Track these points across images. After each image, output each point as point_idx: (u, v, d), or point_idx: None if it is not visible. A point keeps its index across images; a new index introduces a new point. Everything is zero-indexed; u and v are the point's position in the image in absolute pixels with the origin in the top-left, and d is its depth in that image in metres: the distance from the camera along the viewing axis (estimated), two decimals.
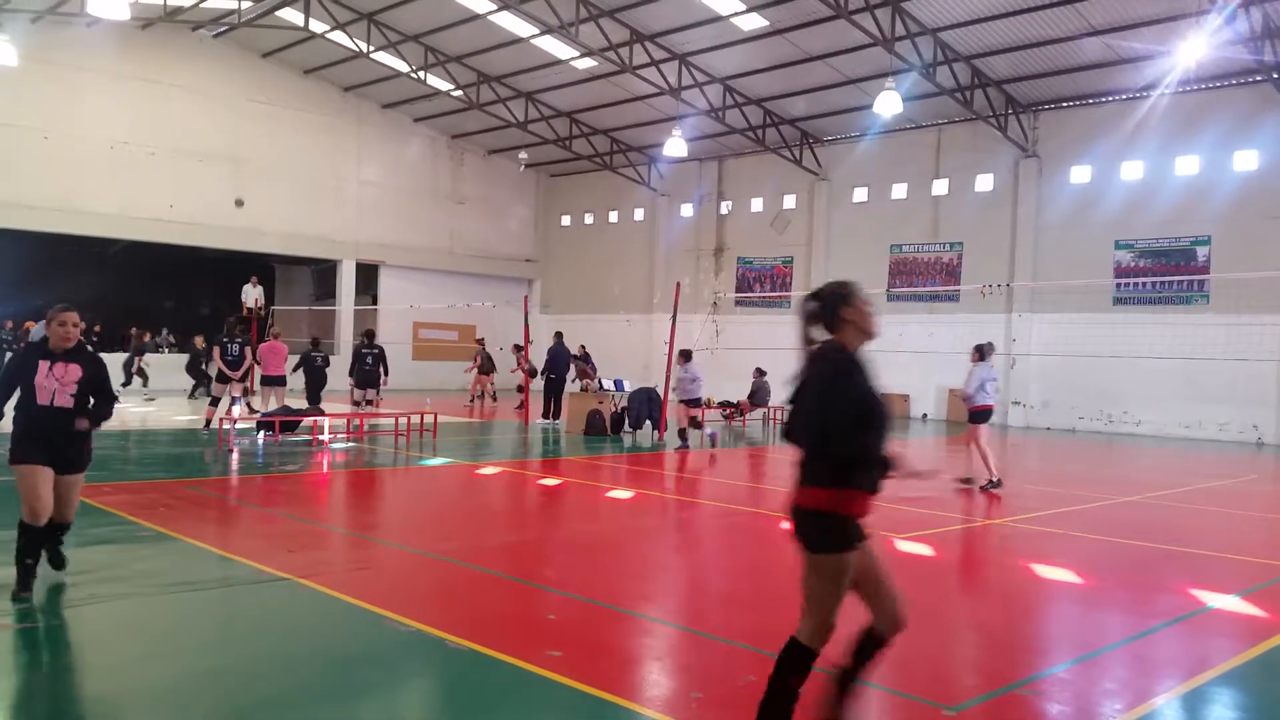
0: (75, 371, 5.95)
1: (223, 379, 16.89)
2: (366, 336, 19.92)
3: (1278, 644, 5.87)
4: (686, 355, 17.23)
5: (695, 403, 17.10)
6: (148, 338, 22.00)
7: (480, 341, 28.32)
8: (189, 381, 24.39)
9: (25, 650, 5.07)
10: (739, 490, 12.56)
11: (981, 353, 12.65)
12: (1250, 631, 6.23)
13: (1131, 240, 23.40)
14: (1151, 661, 5.60)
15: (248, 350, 17.12)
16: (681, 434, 16.60)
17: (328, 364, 19.09)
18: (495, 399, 27.46)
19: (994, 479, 12.22)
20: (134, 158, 27.03)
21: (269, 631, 5.70)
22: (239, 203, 27.88)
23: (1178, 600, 7.02)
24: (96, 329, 28.13)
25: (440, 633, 5.39)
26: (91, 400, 6.10)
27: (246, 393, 18.23)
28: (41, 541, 5.96)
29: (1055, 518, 10.41)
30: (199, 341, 24.22)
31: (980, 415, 12.61)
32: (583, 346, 22.54)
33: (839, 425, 3.68)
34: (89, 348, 6.27)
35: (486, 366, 27.61)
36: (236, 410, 16.40)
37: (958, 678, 5.27)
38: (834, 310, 3.90)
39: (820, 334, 3.93)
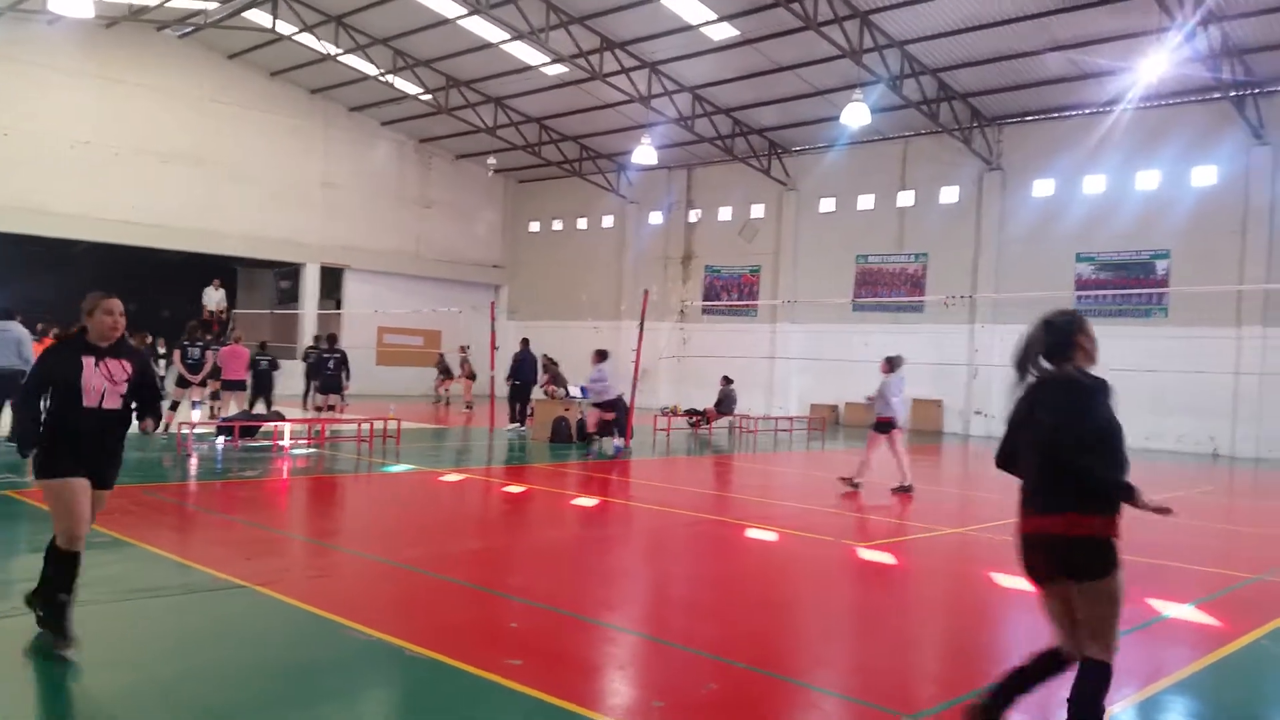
0: (126, 368, 5.19)
1: (183, 383, 16.64)
2: (328, 340, 19.75)
3: (1231, 652, 5.96)
4: (602, 355, 16.77)
5: (609, 406, 16.49)
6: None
7: (464, 349, 28.31)
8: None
9: None
10: (704, 498, 12.56)
11: (891, 364, 13.07)
12: (1204, 640, 6.32)
13: (1093, 253, 23.75)
14: None
15: (209, 354, 16.86)
16: (587, 439, 16.20)
17: (276, 368, 18.91)
18: (451, 404, 27.40)
19: (856, 481, 12.74)
20: (96, 158, 26.64)
21: (227, 639, 5.62)
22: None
23: (1134, 609, 7.09)
24: (55, 331, 27.67)
25: (400, 641, 5.34)
26: (135, 401, 5.34)
27: (216, 396, 17.94)
28: (76, 572, 5.07)
29: (1015, 527, 10.50)
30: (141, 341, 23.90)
31: (886, 425, 12.99)
32: (546, 356, 22.56)
33: (1093, 447, 3.82)
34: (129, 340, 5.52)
35: (448, 373, 27.60)
36: (197, 415, 16.19)
37: (917, 686, 5.30)
38: (1070, 337, 4.05)
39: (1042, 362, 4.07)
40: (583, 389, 19.75)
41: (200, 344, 16.79)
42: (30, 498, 9.37)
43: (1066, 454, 3.83)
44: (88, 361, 5.05)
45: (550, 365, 21.04)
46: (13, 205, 25.04)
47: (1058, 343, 4.06)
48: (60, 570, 5.03)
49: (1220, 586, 8.08)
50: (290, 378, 23.98)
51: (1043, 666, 4.08)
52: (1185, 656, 5.90)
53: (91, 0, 17.88)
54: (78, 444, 5.04)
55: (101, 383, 5.06)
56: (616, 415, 18.79)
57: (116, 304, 5.21)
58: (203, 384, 16.93)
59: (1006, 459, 4.25)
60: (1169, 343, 21.72)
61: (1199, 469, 18.82)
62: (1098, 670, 3.93)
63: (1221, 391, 21.44)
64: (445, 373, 28.64)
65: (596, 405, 16.39)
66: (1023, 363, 4.10)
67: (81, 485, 5.03)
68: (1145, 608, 7.11)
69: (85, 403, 5.02)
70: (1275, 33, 19.19)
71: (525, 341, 21.44)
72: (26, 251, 27.38)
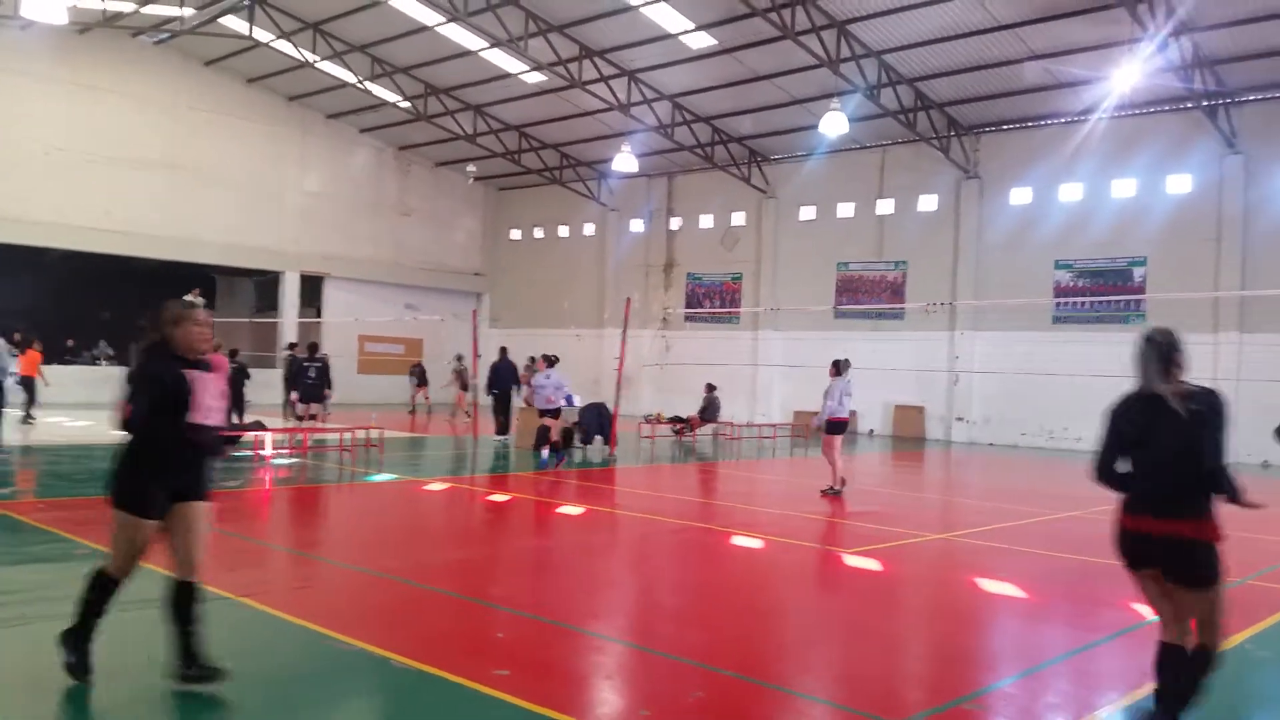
0: (221, 382, 4.89)
1: None
2: (309, 349, 19.59)
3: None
4: (549, 360, 16.02)
5: (556, 414, 15.60)
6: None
7: (459, 359, 28.15)
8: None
9: None
10: (689, 506, 12.55)
11: (838, 368, 13.33)
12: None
13: (1070, 260, 23.95)
14: (1094, 675, 5.69)
15: None
16: (539, 447, 15.54)
17: (247, 376, 18.68)
18: (432, 412, 27.26)
19: (836, 486, 13.00)
20: (70, 164, 26.36)
21: (210, 651, 5.54)
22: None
23: (1120, 614, 7.14)
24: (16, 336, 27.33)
25: (385, 652, 5.29)
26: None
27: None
28: (114, 598, 4.87)
29: (998, 533, 10.56)
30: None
31: (837, 427, 13.26)
32: (534, 359, 22.54)
33: (1221, 458, 4.25)
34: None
35: (422, 380, 27.46)
36: None
37: (903, 692, 5.30)
38: (1176, 353, 4.38)
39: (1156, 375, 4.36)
40: (567, 397, 19.68)
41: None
42: (9, 509, 9.24)
43: (1213, 463, 4.26)
44: (194, 376, 4.71)
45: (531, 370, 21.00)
46: None
47: (1168, 358, 4.36)
48: (105, 596, 4.82)
49: None
50: (267, 388, 23.80)
51: (1177, 664, 4.38)
52: None
53: (65, 6, 17.71)
54: (173, 463, 4.71)
55: (211, 398, 4.76)
56: (598, 425, 18.73)
57: (205, 314, 4.89)
58: None
59: (1109, 469, 4.67)
60: None
61: None
62: (1208, 656, 4.33)
63: None
64: (421, 380, 28.51)
65: (542, 413, 15.54)
66: (1147, 379, 4.42)
67: (154, 528, 4.77)
68: (1132, 613, 7.15)
69: (195, 418, 4.67)
70: (1245, 44, 19.44)
71: (503, 350, 21.31)
72: None
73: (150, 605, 6.34)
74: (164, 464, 4.70)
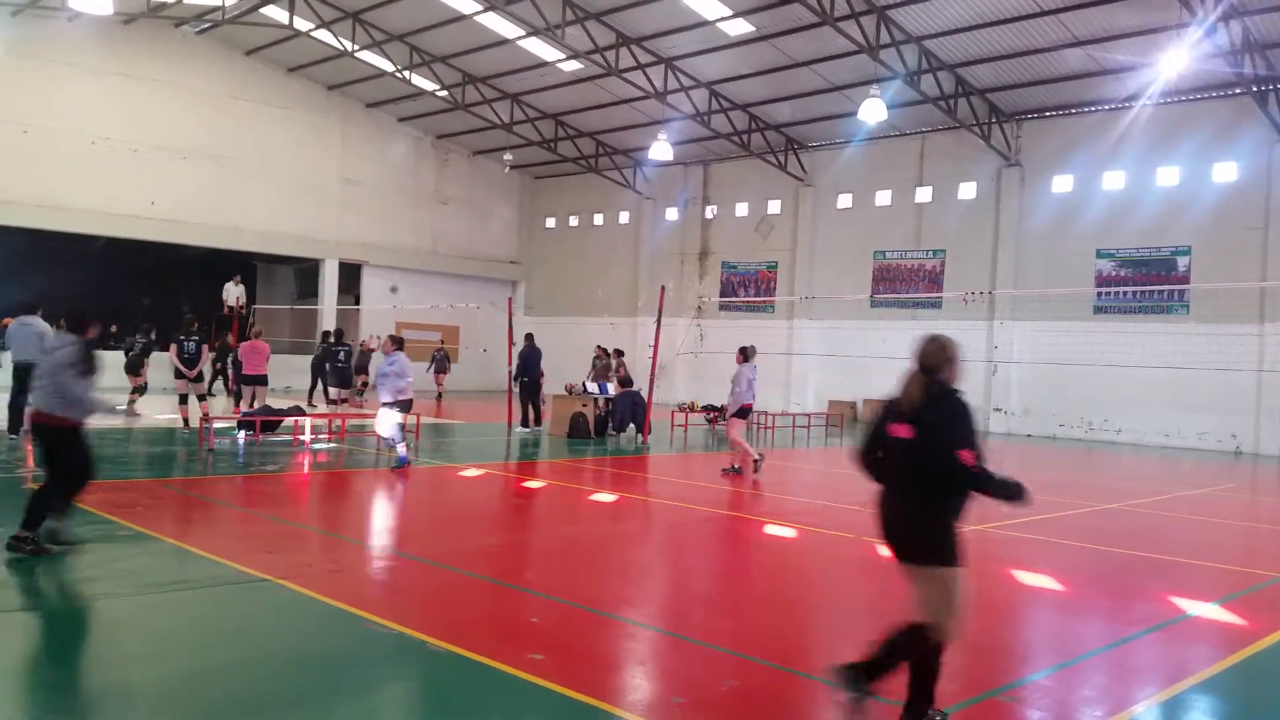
0: None
1: (178, 375, 16.45)
2: (335, 335, 19.88)
3: (1256, 652, 5.91)
4: (397, 343, 13.45)
5: (406, 406, 13.13)
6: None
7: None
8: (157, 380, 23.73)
9: (3, 652, 5.00)
10: (722, 494, 12.55)
11: (745, 354, 13.51)
12: (1229, 639, 6.27)
13: (1112, 250, 23.58)
14: (1131, 669, 5.63)
15: (204, 348, 16.60)
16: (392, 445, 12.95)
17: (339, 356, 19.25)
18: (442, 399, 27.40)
19: (736, 466, 13.43)
20: (115, 153, 26.81)
21: (248, 633, 5.66)
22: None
23: (1157, 608, 7.06)
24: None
25: (421, 635, 5.36)
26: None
27: (224, 390, 18.01)
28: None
29: (1036, 524, 10.46)
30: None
31: (745, 412, 13.58)
32: (604, 349, 22.53)
33: None
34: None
35: (441, 366, 27.54)
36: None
37: (939, 683, 5.27)
38: None
39: None
40: (601, 385, 19.74)
41: (195, 338, 16.59)
42: None
43: None
44: None
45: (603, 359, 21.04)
46: (32, 201, 25.24)
47: None
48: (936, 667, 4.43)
49: (1244, 585, 8.01)
50: (303, 375, 24.05)
51: None
52: (1209, 656, 5.86)
53: None
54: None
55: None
56: (632, 413, 18.71)
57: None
58: (198, 378, 16.63)
59: None
60: (1190, 339, 21.51)
61: (1221, 466, 18.68)
62: None
63: (1244, 389, 21.25)
64: (441, 367, 28.55)
65: (386, 405, 12.87)
66: None
67: None
68: (1169, 606, 7.07)
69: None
70: None
71: (529, 337, 20.71)
72: (45, 247, 27.58)
73: (190, 587, 6.48)
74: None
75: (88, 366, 6.97)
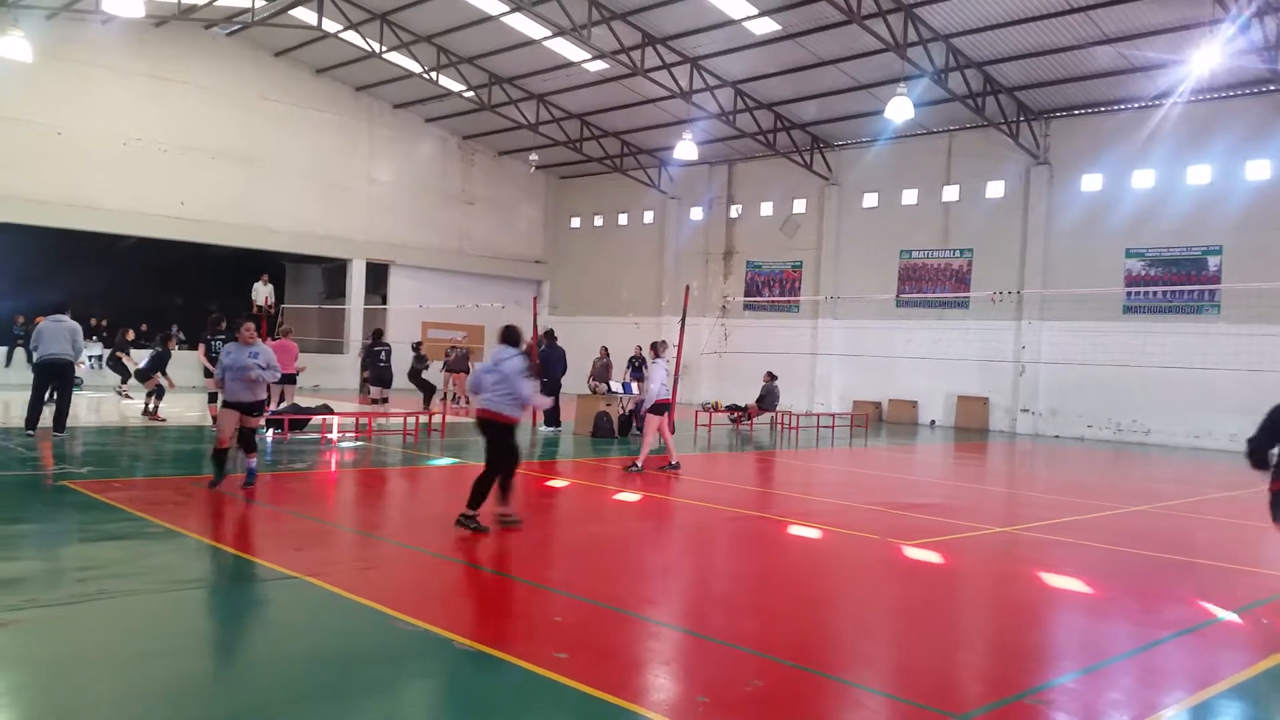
0: None
1: (208, 374, 16.57)
2: (375, 335, 20.14)
3: None
4: (249, 329, 10.08)
5: (252, 410, 10.08)
6: (130, 335, 22.10)
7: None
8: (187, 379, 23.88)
9: (34, 646, 5.08)
10: (746, 494, 12.53)
11: (657, 350, 13.54)
12: (1260, 644, 6.20)
13: (1142, 249, 23.34)
14: (1160, 673, 5.58)
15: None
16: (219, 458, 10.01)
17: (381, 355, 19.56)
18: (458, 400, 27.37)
19: (638, 464, 13.29)
20: (146, 154, 27.16)
21: (276, 629, 5.71)
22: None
23: (1187, 611, 6.99)
24: (104, 323, 28.23)
25: (447, 633, 5.39)
26: None
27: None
28: None
29: (1064, 526, 10.37)
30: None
31: (662, 408, 13.43)
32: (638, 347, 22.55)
33: None
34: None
35: (458, 366, 27.48)
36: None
37: (965, 686, 5.25)
38: None
39: None
40: (625, 385, 19.75)
41: (223, 338, 16.69)
42: (85, 488, 9.58)
43: None
44: None
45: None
46: (65, 201, 25.62)
47: None
48: None
49: (1277, 590, 7.91)
50: (334, 373, 24.27)
51: None
52: (1240, 661, 5.79)
53: (142, 0, 18.20)
54: None
55: None
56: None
57: None
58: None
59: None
60: (1221, 340, 21.26)
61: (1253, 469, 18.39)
62: None
63: (1276, 391, 20.88)
64: (457, 367, 28.44)
65: (229, 405, 10.10)
66: None
67: None
68: (1199, 610, 6.99)
69: None
70: None
71: (550, 335, 20.40)
72: (76, 246, 27.95)
73: (218, 583, 6.55)
74: None
75: (530, 372, 8.66)
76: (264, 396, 10.62)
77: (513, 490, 8.77)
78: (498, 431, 8.54)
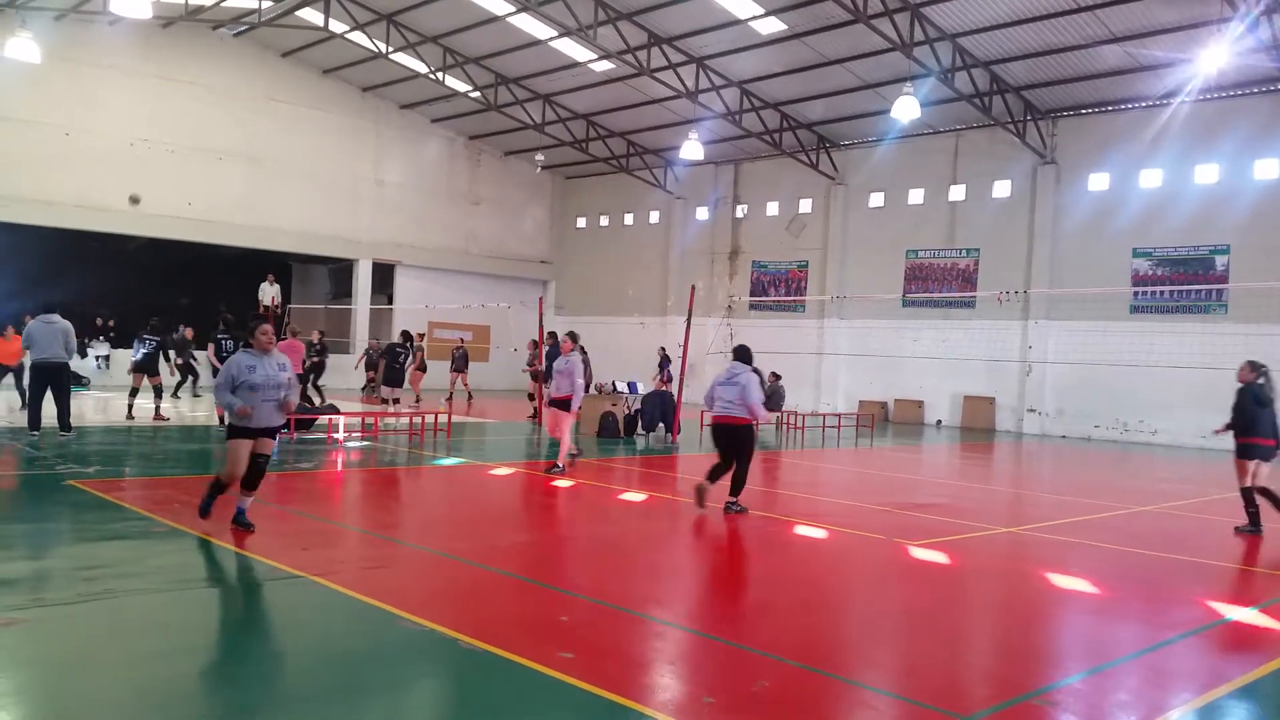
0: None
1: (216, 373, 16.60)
2: (403, 337, 20.49)
3: None
4: (267, 333, 8.25)
5: (272, 432, 8.22)
6: (190, 334, 22.51)
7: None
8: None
9: (39, 645, 5.09)
10: (752, 495, 12.49)
11: (574, 339, 13.62)
12: (1268, 645, 6.17)
13: (1149, 248, 23.27)
14: (1167, 674, 5.56)
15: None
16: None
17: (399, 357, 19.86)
18: (470, 398, 27.36)
19: (573, 452, 13.43)
20: (153, 155, 27.22)
21: (282, 629, 5.72)
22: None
23: (1194, 612, 6.96)
24: (110, 323, 28.28)
25: (452, 633, 5.39)
26: None
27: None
28: None
29: (1070, 526, 10.35)
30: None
31: (566, 403, 13.05)
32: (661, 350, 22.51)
33: None
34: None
35: (460, 364, 27.43)
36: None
37: (971, 687, 5.24)
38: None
39: None
40: (630, 385, 19.75)
41: (225, 335, 16.70)
42: (92, 487, 9.61)
43: None
44: None
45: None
46: (72, 202, 25.70)
47: None
48: None
49: None
50: (341, 373, 24.29)
51: None
52: (1248, 662, 5.76)
53: (149, 1, 18.26)
54: None
55: None
56: (661, 413, 18.65)
57: None
58: None
59: None
60: (1229, 340, 21.14)
61: (1260, 469, 18.31)
62: None
63: None
64: (460, 366, 28.33)
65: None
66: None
67: None
68: (1207, 611, 6.97)
69: None
70: None
71: (554, 335, 19.90)
72: (83, 247, 28.03)
73: (224, 583, 6.56)
74: None
75: (761, 382, 9.97)
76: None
77: (744, 484, 10.16)
78: (734, 433, 9.97)
